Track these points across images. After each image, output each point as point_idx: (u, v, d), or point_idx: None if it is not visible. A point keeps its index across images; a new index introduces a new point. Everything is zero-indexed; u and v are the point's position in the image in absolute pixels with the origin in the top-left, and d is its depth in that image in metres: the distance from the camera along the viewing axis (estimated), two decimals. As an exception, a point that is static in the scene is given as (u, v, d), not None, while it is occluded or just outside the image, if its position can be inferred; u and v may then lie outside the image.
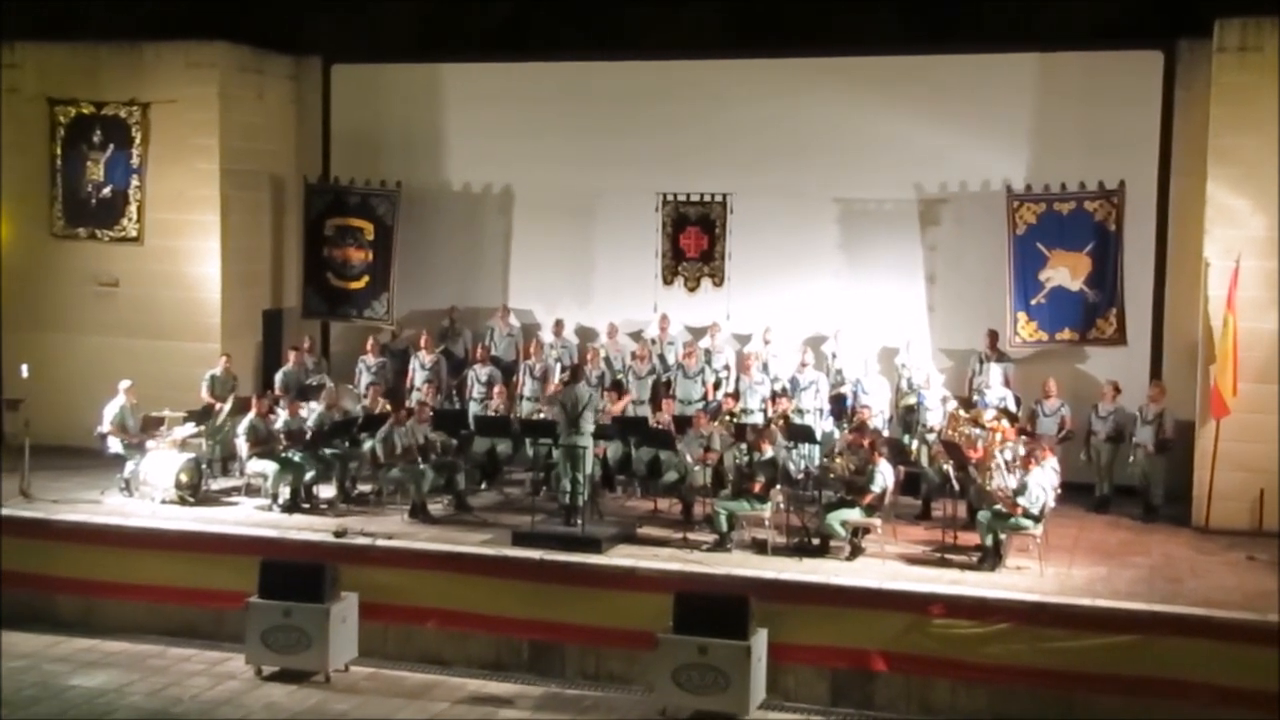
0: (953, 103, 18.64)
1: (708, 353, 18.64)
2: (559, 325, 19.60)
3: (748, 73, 19.43)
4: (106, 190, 20.17)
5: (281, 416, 16.92)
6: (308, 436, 16.73)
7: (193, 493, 16.72)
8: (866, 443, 15.19)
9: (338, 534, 15.23)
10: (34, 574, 15.70)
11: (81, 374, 19.53)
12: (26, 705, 13.16)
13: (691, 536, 15.26)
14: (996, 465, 14.69)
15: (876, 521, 14.80)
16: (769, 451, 15.12)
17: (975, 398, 17.15)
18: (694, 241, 19.44)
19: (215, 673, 14.15)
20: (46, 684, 13.75)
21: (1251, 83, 16.09)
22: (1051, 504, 14.55)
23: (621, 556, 14.56)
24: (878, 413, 17.25)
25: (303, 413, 17.10)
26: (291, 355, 19.43)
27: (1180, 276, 17.58)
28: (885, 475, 14.70)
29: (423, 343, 19.25)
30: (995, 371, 17.41)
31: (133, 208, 20.08)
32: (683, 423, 16.78)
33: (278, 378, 19.15)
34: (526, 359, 19.00)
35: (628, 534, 15.36)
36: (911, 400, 17.58)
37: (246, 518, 16.22)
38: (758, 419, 17.21)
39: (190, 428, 17.27)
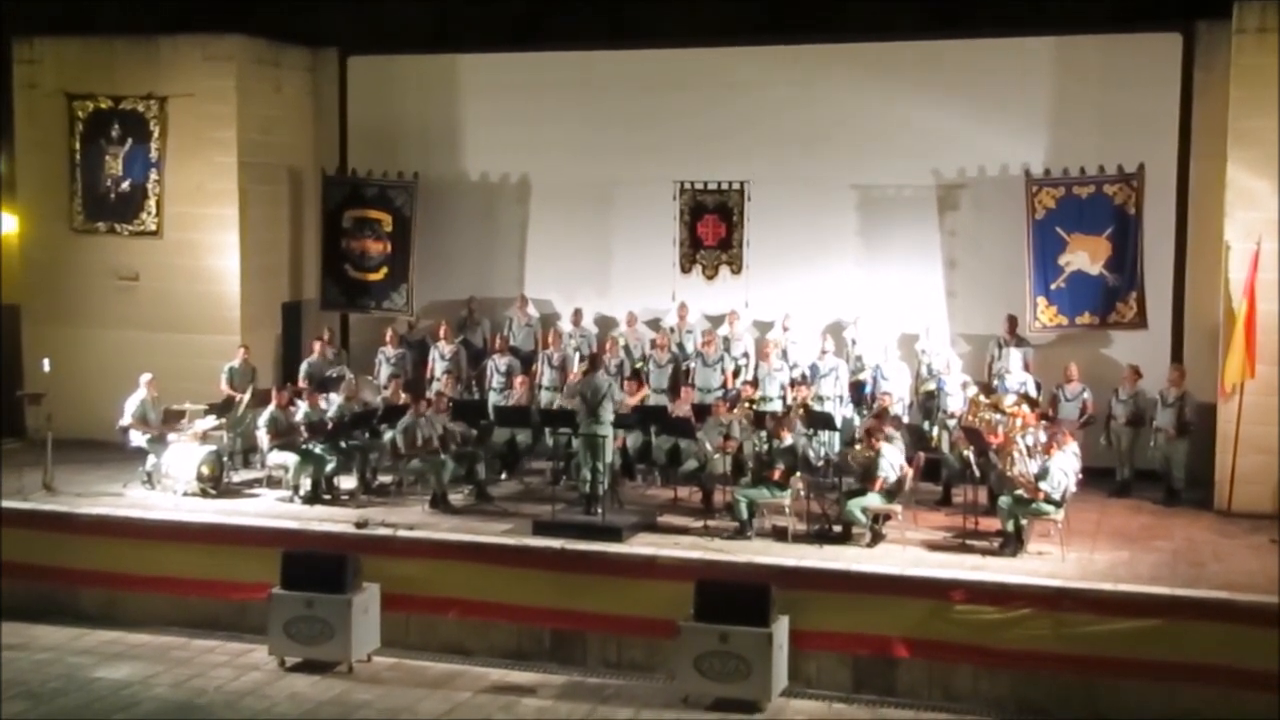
0: (970, 88, 18.58)
1: (726, 340, 18.64)
2: (577, 314, 19.60)
3: (765, 60, 19.39)
4: (125, 184, 20.22)
5: (302, 408, 16.97)
6: (328, 428, 16.78)
7: (214, 485, 16.79)
8: (864, 429, 15.19)
9: (359, 525, 15.27)
10: (58, 567, 15.80)
11: (102, 368, 19.57)
12: (52, 697, 13.25)
13: (712, 524, 15.27)
14: (1018, 450, 14.66)
15: (897, 508, 14.78)
16: (789, 439, 15.12)
17: (995, 383, 17.12)
18: (712, 229, 19.42)
19: (239, 664, 14.23)
20: (71, 676, 13.84)
21: (1271, 64, 15.97)
22: (1073, 489, 14.53)
23: (642, 545, 14.57)
24: (898, 399, 17.23)
25: (323, 404, 17.15)
26: (316, 346, 19.45)
27: (1200, 259, 17.49)
28: (891, 461, 14.67)
29: (442, 333, 19.27)
30: (1015, 356, 17.37)
31: (151, 202, 20.13)
32: (702, 411, 16.79)
33: (302, 369, 19.19)
34: (545, 349, 19.01)
35: (648, 522, 15.36)
36: (931, 386, 17.58)
37: (268, 509, 16.28)
38: (777, 406, 17.20)
39: (211, 420, 17.33)
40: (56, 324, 20.36)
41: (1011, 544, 14.27)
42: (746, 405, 16.81)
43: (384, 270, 20.52)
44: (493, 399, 18.40)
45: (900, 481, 14.75)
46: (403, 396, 17.64)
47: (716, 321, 19.20)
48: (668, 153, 19.54)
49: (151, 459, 17.07)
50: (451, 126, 20.80)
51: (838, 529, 14.87)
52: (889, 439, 15.00)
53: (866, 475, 14.82)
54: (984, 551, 14.34)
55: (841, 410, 17.48)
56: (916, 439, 16.02)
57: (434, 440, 16.33)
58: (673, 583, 13.73)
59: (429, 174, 20.45)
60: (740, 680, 12.82)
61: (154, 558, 15.54)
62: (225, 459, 17.24)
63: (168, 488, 16.78)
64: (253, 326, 20.08)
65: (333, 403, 17.29)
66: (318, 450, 16.58)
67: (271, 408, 16.92)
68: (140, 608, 15.55)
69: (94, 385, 19.19)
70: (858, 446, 15.40)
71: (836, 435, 16.93)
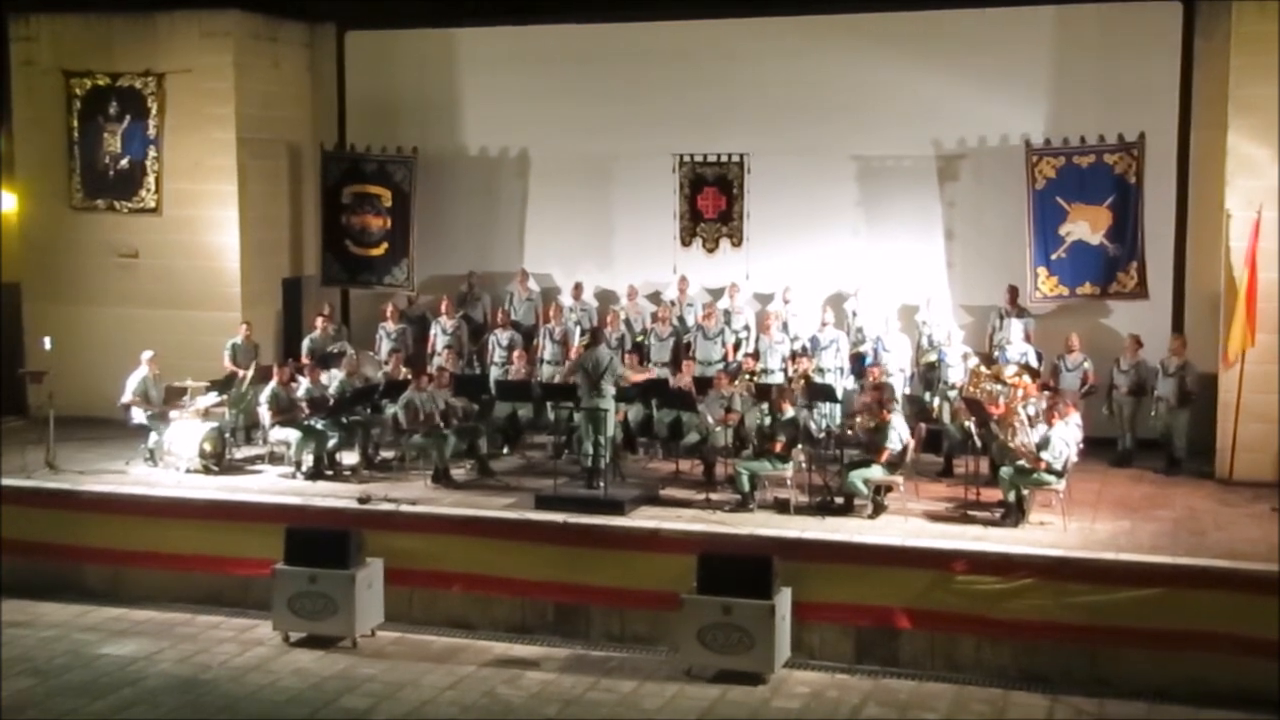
0: (971, 57, 18.50)
1: (727, 313, 18.63)
2: (578, 288, 19.60)
3: (763, 31, 19.29)
4: (124, 161, 20.19)
5: (303, 384, 16.98)
6: (330, 404, 16.78)
7: (217, 462, 16.82)
8: (873, 399, 15.19)
9: (362, 500, 15.30)
10: (62, 544, 15.83)
11: (104, 345, 19.59)
12: (58, 674, 13.29)
13: (714, 497, 15.28)
14: (1019, 421, 14.67)
15: (899, 479, 14.80)
16: (790, 411, 15.11)
17: (996, 354, 17.13)
18: (712, 202, 19.37)
19: (243, 639, 14.27)
20: (77, 653, 13.88)
21: (1272, 31, 15.87)
22: (1074, 459, 14.55)
23: (644, 518, 14.60)
24: (898, 370, 17.26)
25: (324, 380, 17.15)
26: (318, 322, 19.46)
27: (1201, 228, 17.45)
28: (899, 432, 14.68)
29: (443, 308, 19.27)
30: (1016, 327, 17.36)
31: (150, 178, 20.10)
32: (703, 384, 16.79)
33: (304, 345, 19.20)
34: (546, 323, 19.01)
35: (650, 496, 15.38)
36: (932, 357, 17.59)
37: (271, 485, 16.31)
38: (778, 379, 17.21)
39: (213, 397, 17.34)
40: (57, 302, 20.36)
41: (1013, 514, 14.29)
42: (748, 378, 16.83)
43: (384, 245, 20.50)
44: (494, 373, 18.41)
45: (902, 452, 14.77)
46: (403, 371, 17.64)
47: (717, 294, 19.18)
48: (667, 125, 19.47)
49: (154, 436, 17.09)
50: (450, 101, 20.74)
51: (839, 501, 14.88)
52: (891, 411, 15.00)
53: (872, 446, 14.81)
54: (985, 522, 14.36)
55: (842, 382, 17.48)
56: (918, 410, 16.02)
57: (435, 415, 16.35)
58: (675, 555, 13.76)
59: (428, 149, 20.41)
60: (743, 652, 12.86)
61: (157, 534, 15.57)
62: (227, 435, 17.26)
63: (170, 465, 16.81)
64: (253, 303, 20.07)
65: (334, 378, 17.29)
66: (319, 426, 16.58)
67: (273, 384, 16.93)
68: (145, 584, 15.60)
69: (95, 363, 19.22)
70: (859, 419, 15.39)
71: (838, 407, 16.93)
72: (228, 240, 19.96)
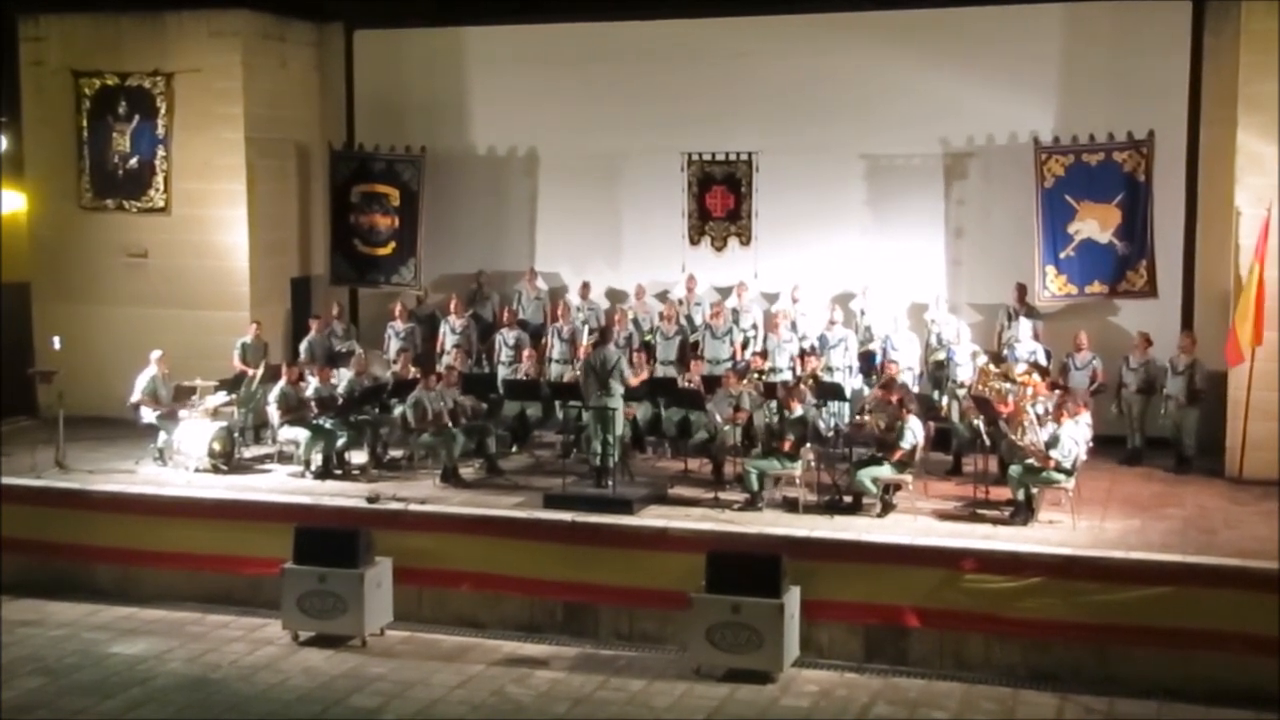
0: (979, 55, 18.48)
1: (735, 312, 18.62)
2: (586, 287, 19.59)
3: (771, 29, 19.27)
4: (133, 161, 20.21)
5: (312, 384, 16.99)
6: (338, 403, 16.80)
7: (226, 461, 16.84)
8: (895, 399, 15.17)
9: (371, 499, 15.32)
10: (72, 544, 15.86)
11: (113, 345, 19.62)
12: (68, 673, 13.32)
13: (723, 496, 15.29)
14: (1028, 419, 14.66)
15: (908, 478, 14.80)
16: (798, 410, 15.11)
17: (1005, 352, 17.10)
18: (720, 201, 19.36)
19: (253, 638, 14.29)
20: (87, 652, 13.92)
21: (1282, 28, 15.90)
22: (1083, 457, 14.54)
23: (653, 517, 14.60)
24: (907, 369, 17.23)
25: (333, 379, 17.17)
26: (314, 324, 19.47)
27: (1211, 226, 17.42)
28: (915, 431, 14.68)
29: (452, 307, 19.28)
30: (1024, 326, 17.33)
31: (159, 178, 20.13)
32: (712, 382, 16.79)
33: (302, 347, 19.22)
34: (554, 321, 19.02)
35: (659, 494, 15.39)
36: (941, 356, 17.56)
37: (280, 485, 16.33)
38: (787, 377, 17.19)
39: (222, 396, 17.35)
40: (66, 302, 20.40)
41: (1022, 513, 14.28)
42: (756, 376, 16.82)
43: (392, 245, 20.52)
44: (502, 372, 18.42)
45: (913, 451, 14.76)
46: (412, 371, 17.66)
47: (725, 293, 19.17)
48: (675, 124, 19.46)
49: (163, 435, 17.12)
50: (458, 100, 20.74)
51: (848, 499, 14.88)
52: (911, 410, 14.98)
53: (886, 445, 14.79)
54: (995, 520, 14.35)
55: (851, 381, 17.47)
56: (926, 409, 16.00)
57: (444, 414, 16.36)
58: (684, 554, 13.76)
59: (436, 148, 20.41)
60: (752, 651, 12.87)
61: (167, 534, 15.60)
62: (236, 435, 17.28)
63: (179, 464, 16.83)
64: (262, 302, 20.10)
65: (342, 378, 17.30)
66: (328, 425, 16.60)
67: (282, 383, 16.96)
68: (154, 583, 15.63)
69: (105, 362, 19.26)
70: (871, 415, 15.37)
71: (846, 406, 16.92)
72: (236, 240, 19.98)
